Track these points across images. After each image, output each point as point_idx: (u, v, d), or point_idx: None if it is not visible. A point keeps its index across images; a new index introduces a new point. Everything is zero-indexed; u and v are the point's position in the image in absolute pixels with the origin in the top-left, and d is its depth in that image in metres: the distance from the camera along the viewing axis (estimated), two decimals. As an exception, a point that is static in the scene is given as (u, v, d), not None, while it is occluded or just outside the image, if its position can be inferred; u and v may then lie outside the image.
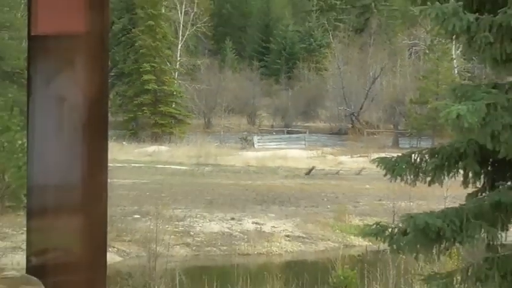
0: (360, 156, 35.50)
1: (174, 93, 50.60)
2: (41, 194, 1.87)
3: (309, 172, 32.71)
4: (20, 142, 20.89)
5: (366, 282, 15.28)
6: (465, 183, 10.88)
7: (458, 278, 11.06)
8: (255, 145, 40.96)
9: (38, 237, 1.88)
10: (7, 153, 21.50)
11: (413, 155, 11.25)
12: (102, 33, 1.98)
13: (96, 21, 1.61)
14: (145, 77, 48.65)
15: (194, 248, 20.38)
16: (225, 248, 20.44)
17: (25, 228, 1.79)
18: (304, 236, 21.74)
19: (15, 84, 28.78)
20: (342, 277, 15.42)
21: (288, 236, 21.93)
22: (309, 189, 28.52)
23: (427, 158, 11.01)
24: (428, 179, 10.86)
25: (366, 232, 12.04)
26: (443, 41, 39.19)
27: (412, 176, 11.02)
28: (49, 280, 1.60)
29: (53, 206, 1.91)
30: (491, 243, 10.44)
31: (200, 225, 21.50)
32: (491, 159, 10.96)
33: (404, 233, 10.32)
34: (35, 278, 1.61)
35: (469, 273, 10.68)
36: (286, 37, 67.44)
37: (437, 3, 8.85)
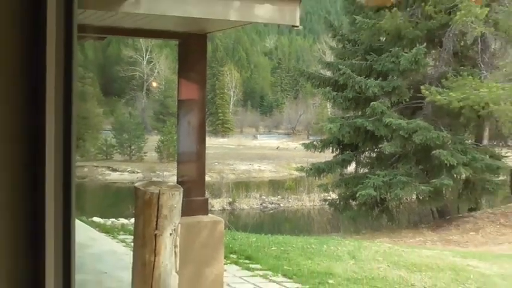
0: (295, 142, 58.29)
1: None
2: (184, 154, 7.16)
3: (277, 148, 59.09)
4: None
5: (296, 187, 31.70)
6: (333, 152, 21.49)
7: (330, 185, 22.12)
8: (258, 138, 69.07)
9: (182, 172, 6.88)
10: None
11: (314, 142, 22.54)
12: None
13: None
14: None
15: (236, 175, 42.22)
16: (247, 175, 42.34)
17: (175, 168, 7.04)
18: (275, 170, 44.68)
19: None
20: (288, 185, 32.99)
21: (269, 170, 45.16)
22: (277, 154, 52.78)
23: (319, 143, 21.70)
24: (319, 150, 21.44)
25: (298, 169, 25.17)
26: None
27: (313, 149, 21.64)
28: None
29: (186, 158, 7.01)
30: (341, 173, 21.35)
31: (238, 166, 44.02)
32: (342, 144, 20.67)
33: (310, 170, 21.12)
34: (179, 186, 4.51)
35: (335, 184, 21.55)
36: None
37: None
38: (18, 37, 0.69)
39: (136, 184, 4.37)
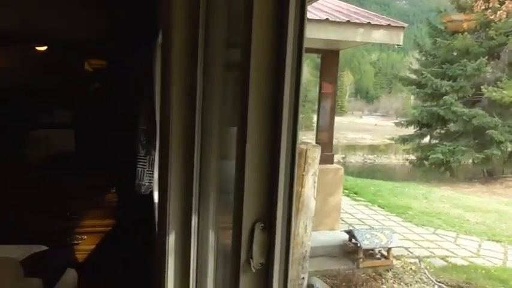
0: (387, 121, 49.96)
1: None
2: (321, 125, 7.64)
3: (375, 124, 48.35)
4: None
5: (386, 150, 29.17)
6: (414, 128, 22.80)
7: (410, 150, 23.15)
8: (362, 118, 58.79)
9: (319, 136, 7.04)
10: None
11: (401, 121, 22.49)
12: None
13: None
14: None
15: (347, 140, 36.33)
16: (354, 141, 37.12)
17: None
18: (373, 139, 38.96)
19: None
20: (381, 148, 29.68)
21: (369, 139, 38.49)
22: (375, 129, 45.70)
23: (405, 122, 22.68)
24: (404, 127, 22.71)
25: (389, 138, 25.04)
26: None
27: (400, 126, 22.49)
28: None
29: (322, 128, 7.07)
30: (419, 142, 22.17)
31: (348, 135, 37.94)
32: (420, 123, 22.71)
33: (398, 139, 22.51)
34: (318, 145, 5.29)
35: (414, 149, 22.59)
36: None
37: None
38: (270, 48, 0.68)
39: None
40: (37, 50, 4.01)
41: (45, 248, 2.92)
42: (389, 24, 5.46)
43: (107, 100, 4.12)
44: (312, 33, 4.78)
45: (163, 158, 1.59)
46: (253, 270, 0.70)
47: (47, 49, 4.03)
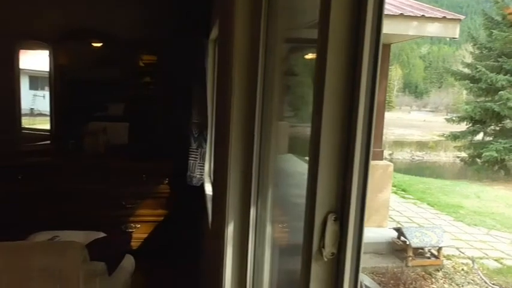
0: (437, 117, 47.45)
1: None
2: None
3: (424, 120, 45.38)
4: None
5: (436, 147, 28.22)
6: (466, 125, 21.87)
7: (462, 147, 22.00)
8: (411, 114, 55.67)
9: None
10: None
11: (452, 117, 22.25)
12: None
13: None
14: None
15: (394, 136, 34.32)
16: (402, 137, 34.96)
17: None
18: (421, 135, 36.93)
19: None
20: (430, 145, 28.50)
21: (417, 135, 36.62)
22: (423, 124, 42.33)
23: (456, 118, 22.01)
24: (456, 123, 22.02)
25: (439, 135, 24.11)
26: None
27: (452, 122, 22.15)
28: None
29: None
30: (471, 139, 21.21)
31: (396, 131, 35.48)
32: (473, 119, 21.72)
33: (448, 136, 21.69)
34: None
35: (466, 146, 21.60)
36: None
37: None
38: (346, 49, 0.70)
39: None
40: (95, 46, 4.20)
41: (103, 234, 3.08)
42: (444, 17, 5.27)
43: (159, 93, 4.26)
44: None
45: (222, 151, 1.64)
46: (325, 259, 0.73)
47: (104, 45, 4.21)
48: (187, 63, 4.13)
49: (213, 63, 3.70)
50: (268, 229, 1.47)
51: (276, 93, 1.40)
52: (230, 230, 1.48)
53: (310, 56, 1.07)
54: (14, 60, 3.86)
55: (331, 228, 0.72)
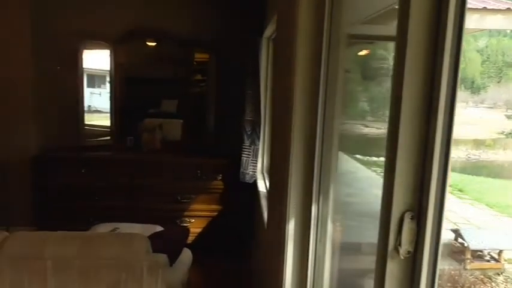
0: (496, 114, 45.58)
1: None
2: None
3: (480, 117, 44.29)
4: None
5: (494, 145, 26.61)
6: None
7: None
8: (466, 109, 54.65)
9: None
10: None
11: None
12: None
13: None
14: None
15: None
16: (457, 134, 35.49)
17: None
18: (478, 132, 35.44)
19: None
20: (488, 143, 27.07)
21: (474, 132, 34.76)
22: (480, 121, 39.21)
23: None
24: None
25: (498, 132, 22.95)
26: None
27: None
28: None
29: None
30: None
31: None
32: None
33: (509, 133, 20.56)
34: None
35: None
36: None
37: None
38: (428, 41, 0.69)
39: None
40: (151, 45, 4.35)
41: (159, 227, 3.19)
42: (508, 8, 5.01)
43: (212, 91, 4.34)
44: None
45: (282, 148, 1.66)
46: (401, 257, 0.73)
47: (159, 44, 4.34)
48: (240, 61, 4.18)
49: (266, 61, 3.72)
50: (329, 226, 1.47)
51: (339, 93, 1.40)
52: (291, 227, 1.49)
53: (380, 51, 1.05)
54: (78, 60, 4.07)
55: (407, 226, 0.72)
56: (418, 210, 0.72)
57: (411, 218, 0.72)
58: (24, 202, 4.22)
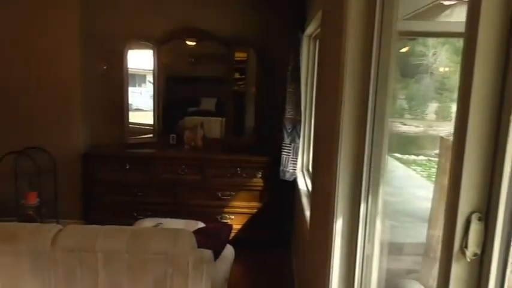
0: None
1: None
2: None
3: None
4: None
5: None
6: None
7: None
8: None
9: None
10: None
11: None
12: None
13: None
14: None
15: None
16: None
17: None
18: None
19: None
20: None
21: None
22: None
23: None
24: None
25: None
26: None
27: None
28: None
29: None
30: None
31: None
32: None
33: None
34: None
35: None
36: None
37: None
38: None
39: (440, 134, 4.16)
40: (191, 44, 4.40)
41: (201, 224, 3.23)
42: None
43: (251, 89, 4.35)
44: (456, 15, 4.33)
45: (328, 147, 1.64)
46: (468, 260, 0.70)
47: (200, 43, 4.39)
48: (280, 59, 4.17)
49: (307, 58, 3.70)
50: (378, 226, 1.44)
51: (390, 91, 1.37)
52: (339, 225, 1.47)
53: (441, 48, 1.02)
54: (123, 60, 4.18)
55: (475, 227, 0.69)
56: (486, 211, 0.69)
57: (479, 220, 0.69)
58: (73, 197, 4.39)
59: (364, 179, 1.41)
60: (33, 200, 4.12)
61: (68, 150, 4.33)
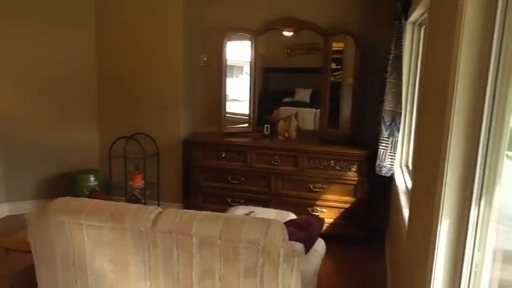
0: None
1: None
2: None
3: None
4: None
5: None
6: None
7: None
8: None
9: None
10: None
11: None
12: None
13: None
14: None
15: None
16: None
17: None
18: None
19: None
20: None
21: None
22: None
23: None
24: None
25: None
26: None
27: None
28: None
29: None
30: None
31: None
32: None
33: None
34: None
35: None
36: None
37: None
38: None
39: None
40: (287, 35, 4.34)
41: (292, 215, 3.19)
42: None
43: (348, 80, 4.19)
44: None
45: (435, 143, 1.49)
46: None
47: (296, 33, 4.32)
48: (380, 49, 3.95)
49: (410, 47, 3.45)
50: (492, 232, 1.27)
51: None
52: (443, 231, 1.33)
53: None
54: (222, 51, 4.27)
55: None
56: None
57: None
58: (173, 180, 4.63)
59: (477, 180, 1.25)
60: (139, 182, 4.42)
61: (170, 137, 4.56)
